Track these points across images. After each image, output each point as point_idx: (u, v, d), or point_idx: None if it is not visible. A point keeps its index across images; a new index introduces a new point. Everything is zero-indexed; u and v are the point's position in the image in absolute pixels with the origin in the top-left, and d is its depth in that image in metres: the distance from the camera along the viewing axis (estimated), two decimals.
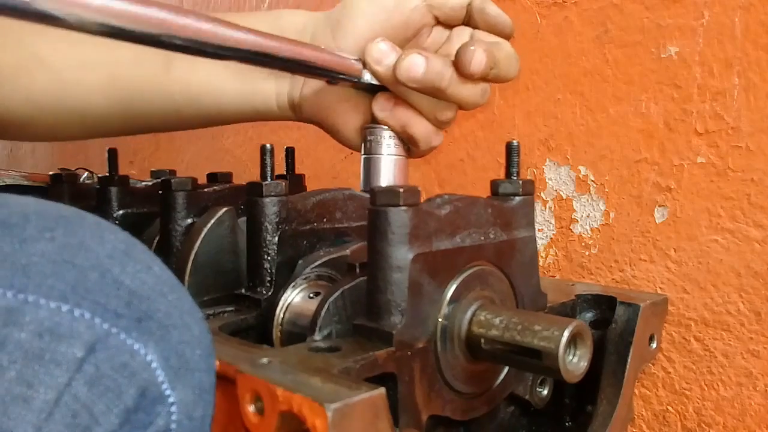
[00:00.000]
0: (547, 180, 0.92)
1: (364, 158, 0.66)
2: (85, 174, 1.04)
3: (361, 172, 0.67)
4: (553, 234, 0.92)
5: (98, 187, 0.88)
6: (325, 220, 0.66)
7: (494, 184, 0.61)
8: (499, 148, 0.97)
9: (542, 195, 0.93)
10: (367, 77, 0.61)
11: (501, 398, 0.60)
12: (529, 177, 0.94)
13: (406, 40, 0.65)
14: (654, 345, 0.72)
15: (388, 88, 0.62)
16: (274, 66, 0.56)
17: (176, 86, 0.69)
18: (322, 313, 0.52)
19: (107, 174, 0.90)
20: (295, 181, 0.92)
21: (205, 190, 0.77)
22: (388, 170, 0.65)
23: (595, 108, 0.87)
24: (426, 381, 0.51)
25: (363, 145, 0.66)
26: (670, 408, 0.82)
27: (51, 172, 1.01)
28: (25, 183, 1.16)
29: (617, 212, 0.85)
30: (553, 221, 0.92)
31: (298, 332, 0.57)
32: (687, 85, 0.78)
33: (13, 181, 1.19)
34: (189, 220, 0.74)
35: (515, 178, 0.61)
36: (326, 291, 0.55)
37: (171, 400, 0.38)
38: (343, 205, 0.68)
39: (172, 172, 1.01)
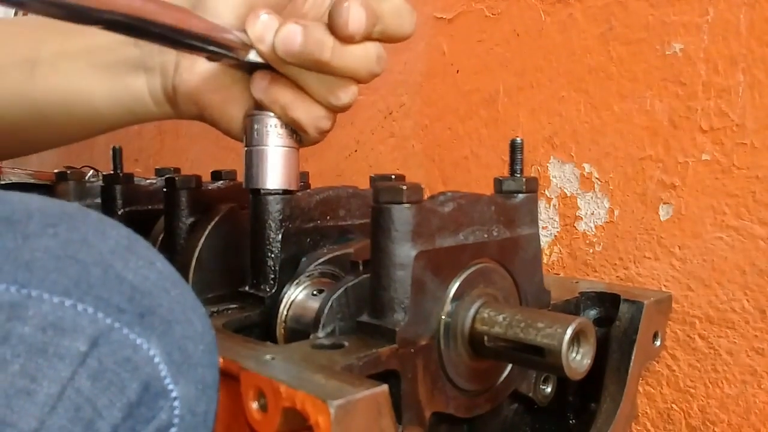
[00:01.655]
0: (551, 177, 0.92)
1: (246, 151, 0.58)
2: (90, 172, 1.05)
3: (244, 167, 0.59)
4: (558, 231, 0.92)
5: (103, 185, 0.89)
6: (328, 217, 0.66)
7: (498, 182, 0.61)
8: (503, 145, 0.97)
9: (546, 192, 0.93)
10: (253, 56, 0.53)
11: (504, 396, 0.60)
12: (533, 174, 0.94)
13: (281, 5, 0.57)
14: (658, 342, 0.72)
15: (274, 67, 0.54)
16: (149, 36, 0.47)
17: (41, 92, 0.62)
18: (326, 311, 0.52)
19: (112, 172, 0.90)
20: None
21: (210, 187, 0.77)
22: (274, 164, 0.58)
23: (600, 105, 0.87)
24: (429, 378, 0.51)
25: (245, 135, 0.58)
26: (674, 406, 0.82)
27: (56, 170, 1.01)
28: (31, 181, 1.17)
29: (622, 210, 0.85)
30: (557, 219, 0.92)
31: (301, 329, 0.57)
32: (692, 82, 0.78)
33: (19, 179, 1.19)
34: (193, 218, 0.74)
35: (518, 175, 0.61)
36: (329, 288, 0.55)
37: (174, 394, 0.38)
38: (346, 203, 0.68)
39: (177, 170, 1.01)
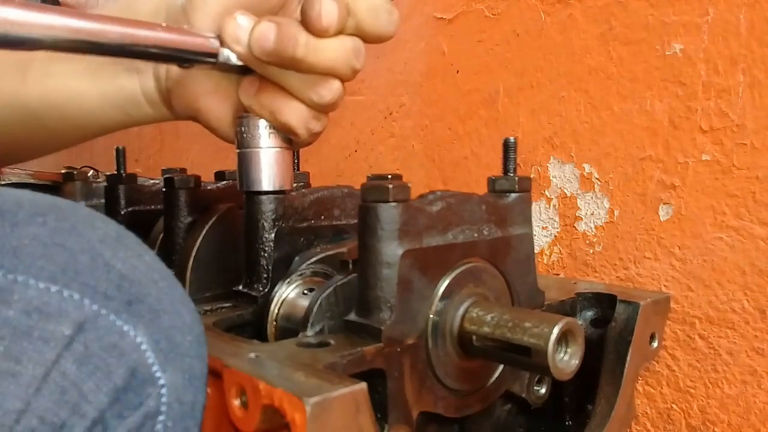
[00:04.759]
0: (551, 178, 0.92)
1: (239, 153, 0.58)
2: (91, 172, 1.06)
3: (237, 169, 0.59)
4: (558, 232, 0.92)
5: (107, 185, 0.90)
6: (323, 217, 0.67)
7: (491, 181, 0.61)
8: None
9: (546, 193, 0.92)
10: (227, 56, 0.53)
11: (496, 396, 0.60)
12: (533, 174, 0.94)
13: (271, 13, 0.56)
14: (655, 344, 0.71)
15: (253, 69, 0.54)
16: (105, 52, 0.47)
17: (34, 95, 0.62)
18: (314, 309, 0.53)
19: (115, 172, 0.91)
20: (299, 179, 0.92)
21: (209, 188, 0.78)
22: (267, 166, 0.58)
23: (600, 105, 0.86)
24: (416, 377, 0.51)
25: (237, 137, 0.58)
26: (674, 406, 0.81)
27: (63, 171, 1.02)
28: (31, 181, 1.18)
29: (622, 210, 0.85)
30: (557, 219, 0.92)
31: (291, 328, 0.58)
32: (692, 82, 0.78)
33: (19, 179, 1.21)
34: (191, 218, 0.74)
35: (512, 174, 0.61)
36: (319, 287, 0.56)
37: (161, 382, 0.38)
38: (341, 203, 0.69)
39: (183, 170, 1.02)
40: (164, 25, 0.50)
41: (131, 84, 0.60)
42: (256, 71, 0.54)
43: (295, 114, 0.55)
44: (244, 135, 0.58)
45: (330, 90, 0.54)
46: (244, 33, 0.51)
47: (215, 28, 0.53)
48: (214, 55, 0.52)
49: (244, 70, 0.54)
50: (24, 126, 0.64)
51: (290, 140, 0.59)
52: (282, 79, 0.54)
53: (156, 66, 0.60)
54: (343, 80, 0.55)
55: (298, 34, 0.50)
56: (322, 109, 0.56)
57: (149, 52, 0.49)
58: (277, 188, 0.59)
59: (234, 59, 0.53)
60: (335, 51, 0.52)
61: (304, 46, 0.50)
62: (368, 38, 0.54)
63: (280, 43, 0.50)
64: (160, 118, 0.64)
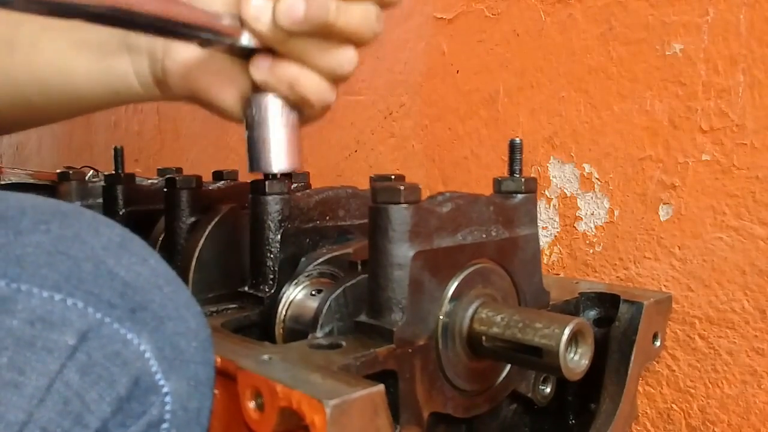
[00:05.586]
0: (551, 178, 0.92)
1: (248, 135, 0.57)
2: (91, 172, 1.05)
3: (247, 150, 0.57)
4: (558, 232, 0.92)
5: (105, 185, 0.89)
6: (328, 218, 0.67)
7: (497, 182, 0.61)
8: (503, 146, 0.97)
9: (546, 193, 0.93)
10: (245, 40, 0.52)
11: (503, 396, 0.60)
12: (533, 175, 0.94)
13: None
14: (658, 343, 0.72)
15: (273, 47, 0.53)
16: (135, 26, 0.46)
17: (21, 70, 0.60)
18: (324, 311, 0.53)
19: (113, 172, 0.91)
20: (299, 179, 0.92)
21: (210, 188, 0.78)
22: (279, 146, 0.56)
23: (600, 105, 0.87)
24: (427, 378, 0.51)
25: (245, 119, 0.57)
26: (674, 406, 0.82)
27: (58, 171, 1.01)
28: (31, 181, 1.17)
29: (622, 210, 0.85)
30: (557, 219, 0.92)
31: (300, 329, 0.57)
32: (692, 82, 0.78)
33: (19, 179, 1.20)
34: (193, 218, 0.74)
35: (517, 175, 0.61)
36: (328, 288, 0.55)
37: (165, 390, 0.38)
38: (346, 203, 0.68)
39: (179, 170, 1.01)
40: (192, 4, 0.49)
41: (122, 64, 0.59)
42: (275, 48, 0.53)
43: (312, 85, 0.54)
44: (254, 116, 0.56)
45: (351, 59, 0.53)
46: (265, 11, 0.50)
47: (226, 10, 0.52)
48: (235, 38, 0.52)
49: (251, 53, 0.54)
50: (10, 101, 0.62)
51: (299, 119, 0.57)
52: (303, 51, 0.53)
53: (151, 46, 0.58)
54: (363, 45, 0.54)
55: (327, 0, 0.50)
56: (338, 79, 0.55)
57: (176, 29, 0.48)
58: (287, 169, 0.58)
59: (247, 41, 0.52)
60: (361, 15, 0.52)
61: (335, 10, 0.50)
62: (384, 2, 0.54)
63: (311, 10, 0.49)
64: (148, 98, 0.62)
